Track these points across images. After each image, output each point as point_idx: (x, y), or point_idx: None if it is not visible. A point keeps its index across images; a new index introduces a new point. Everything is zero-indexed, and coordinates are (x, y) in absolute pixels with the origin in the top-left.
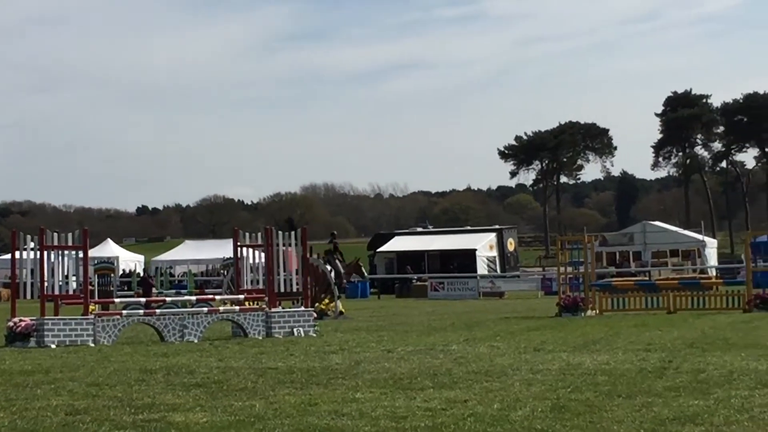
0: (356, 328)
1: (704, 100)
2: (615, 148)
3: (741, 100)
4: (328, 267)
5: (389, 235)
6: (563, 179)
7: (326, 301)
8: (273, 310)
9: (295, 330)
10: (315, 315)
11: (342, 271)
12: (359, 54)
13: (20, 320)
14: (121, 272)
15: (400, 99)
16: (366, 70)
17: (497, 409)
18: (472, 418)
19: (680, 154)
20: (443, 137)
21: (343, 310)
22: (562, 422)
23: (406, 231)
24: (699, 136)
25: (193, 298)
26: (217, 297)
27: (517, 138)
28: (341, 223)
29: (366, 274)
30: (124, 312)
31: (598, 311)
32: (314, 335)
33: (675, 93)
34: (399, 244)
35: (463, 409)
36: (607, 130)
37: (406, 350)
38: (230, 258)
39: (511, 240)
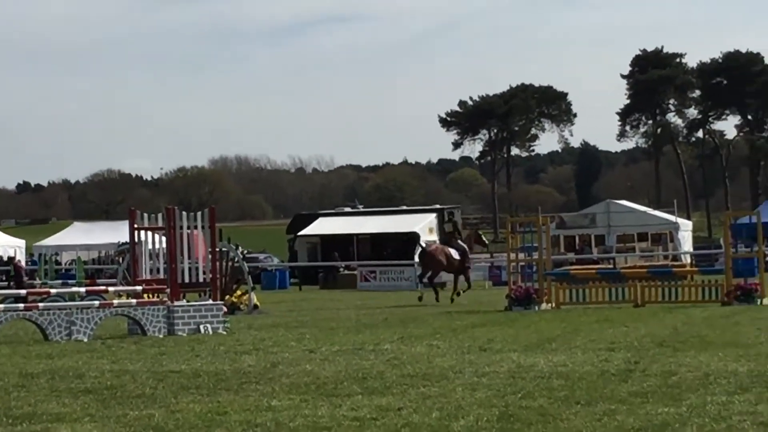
0: (273, 324)
1: (678, 60)
2: (575, 116)
3: (720, 60)
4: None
5: (312, 216)
6: (515, 151)
7: (238, 293)
8: (176, 303)
9: (201, 327)
10: (225, 309)
11: (467, 249)
12: (277, 3)
13: None
14: None
15: (327, 57)
16: (286, 23)
17: (436, 419)
18: (407, 429)
19: (650, 122)
20: (376, 102)
21: (257, 304)
22: None
23: (332, 211)
24: (672, 101)
25: (83, 289)
26: (111, 288)
27: (461, 103)
28: (256, 202)
29: (487, 242)
30: (1, 306)
31: (554, 304)
32: (224, 333)
33: (644, 51)
34: (324, 226)
35: (397, 418)
36: (566, 95)
37: (331, 350)
38: (126, 243)
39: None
